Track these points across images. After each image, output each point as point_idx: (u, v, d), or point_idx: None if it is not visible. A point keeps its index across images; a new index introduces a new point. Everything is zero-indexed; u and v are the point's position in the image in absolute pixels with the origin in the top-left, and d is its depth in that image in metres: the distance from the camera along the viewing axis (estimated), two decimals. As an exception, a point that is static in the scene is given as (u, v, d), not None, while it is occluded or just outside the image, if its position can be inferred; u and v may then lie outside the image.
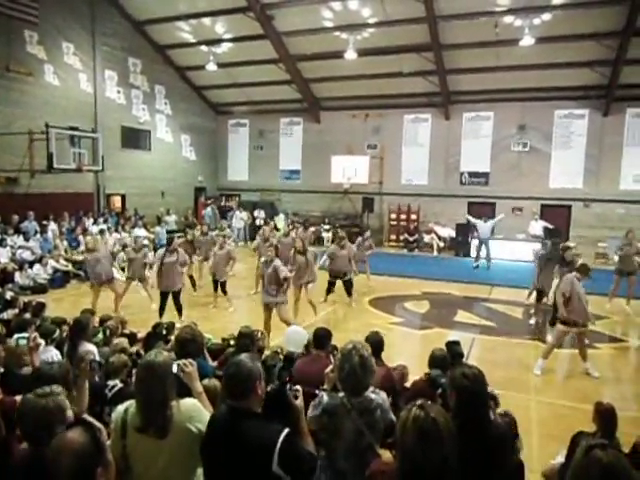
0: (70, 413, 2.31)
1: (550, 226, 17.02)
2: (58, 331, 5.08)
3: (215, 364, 4.69)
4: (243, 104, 22.44)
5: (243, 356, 2.48)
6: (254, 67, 19.31)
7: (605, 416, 3.64)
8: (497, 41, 15.67)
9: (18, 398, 2.66)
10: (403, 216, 20.26)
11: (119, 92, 18.30)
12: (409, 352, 7.75)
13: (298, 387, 2.63)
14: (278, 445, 2.20)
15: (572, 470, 1.74)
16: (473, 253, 16.68)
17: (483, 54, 16.49)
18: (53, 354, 4.65)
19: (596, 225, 17.45)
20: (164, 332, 5.52)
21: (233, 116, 23.44)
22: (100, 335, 5.64)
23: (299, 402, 2.55)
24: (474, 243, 17.01)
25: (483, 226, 15.67)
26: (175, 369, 2.71)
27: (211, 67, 18.61)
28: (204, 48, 18.63)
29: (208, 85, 21.77)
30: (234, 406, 2.36)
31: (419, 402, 2.01)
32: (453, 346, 4.36)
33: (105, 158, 16.15)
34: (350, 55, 16.58)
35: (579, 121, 17.90)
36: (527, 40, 14.79)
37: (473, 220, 16.32)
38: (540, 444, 4.88)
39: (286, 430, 2.28)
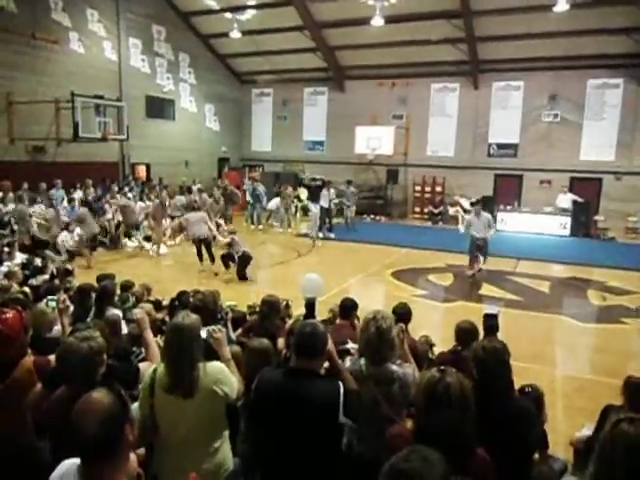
0: (105, 356, 2.40)
1: (579, 199, 16.62)
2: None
3: (239, 332, 4.74)
4: (267, 73, 22.17)
5: (317, 321, 2.67)
6: (278, 35, 18.99)
7: (633, 389, 3.59)
8: (529, 7, 15.08)
9: (52, 357, 2.73)
10: (428, 188, 20.00)
11: (143, 60, 18.24)
12: (433, 325, 7.71)
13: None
14: (341, 399, 2.37)
15: (600, 442, 1.73)
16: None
17: (514, 21, 15.86)
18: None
19: (627, 199, 16.92)
20: (190, 299, 5.58)
21: (257, 85, 23.20)
22: (132, 299, 5.74)
23: (330, 344, 2.60)
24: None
25: (476, 223, 10.75)
26: (204, 334, 2.78)
27: (235, 34, 18.37)
28: (228, 15, 18.32)
29: (232, 53, 21.53)
30: (300, 367, 2.47)
31: (441, 367, 2.08)
32: (489, 319, 4.26)
33: (130, 127, 16.19)
34: (377, 22, 16.12)
35: (613, 91, 17.22)
36: (561, 5, 14.14)
37: (465, 222, 11.41)
38: (565, 416, 4.85)
39: (340, 382, 2.46)
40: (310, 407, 2.36)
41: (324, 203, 15.50)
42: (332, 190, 16.29)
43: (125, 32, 17.23)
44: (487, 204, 17.49)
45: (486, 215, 10.92)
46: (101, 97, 15.16)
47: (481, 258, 10.69)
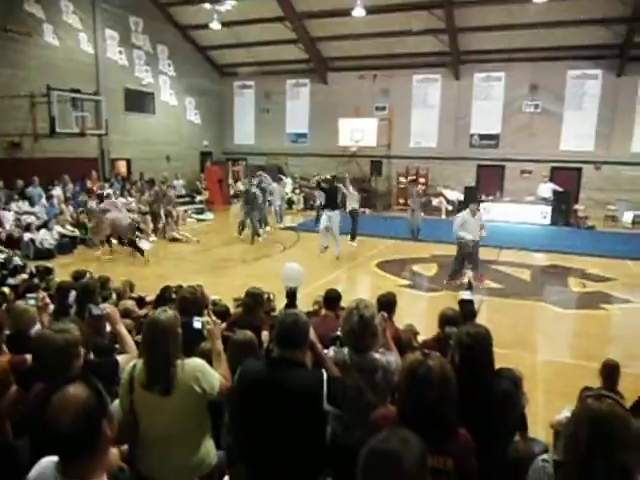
0: (82, 349, 2.36)
1: (559, 189, 16.84)
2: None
3: (223, 326, 4.71)
4: (248, 65, 21.95)
5: (298, 310, 2.64)
6: (259, 26, 18.79)
7: (608, 371, 3.74)
8: (510, -3, 15.14)
9: (28, 356, 2.69)
10: (411, 179, 20.05)
11: (121, 53, 17.91)
12: (417, 314, 7.77)
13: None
14: (324, 387, 2.39)
15: (569, 419, 1.80)
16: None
17: (495, 11, 15.95)
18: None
19: (606, 188, 17.18)
20: (173, 295, 5.54)
21: (238, 77, 22.99)
22: (114, 297, 5.67)
23: (312, 334, 2.60)
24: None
25: (472, 223, 9.11)
26: (199, 325, 2.77)
27: (215, 26, 18.13)
28: (207, 6, 18.07)
29: (212, 45, 21.28)
30: (283, 356, 2.46)
31: (425, 351, 2.12)
32: (466, 305, 4.32)
33: (109, 122, 16.00)
34: (358, 12, 16.04)
35: (592, 82, 17.43)
36: (541, -4, 14.24)
37: (459, 219, 9.42)
38: (545, 400, 4.93)
39: (323, 370, 2.49)
40: (293, 396, 2.36)
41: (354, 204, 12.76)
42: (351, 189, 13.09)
43: (101, 24, 16.87)
44: (470, 195, 17.70)
45: (480, 214, 9.40)
46: (78, 91, 14.92)
47: (470, 272, 9.07)
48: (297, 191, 20.24)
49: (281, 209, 16.46)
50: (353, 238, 12.57)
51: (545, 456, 1.92)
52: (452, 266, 9.36)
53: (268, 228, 14.85)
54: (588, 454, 1.65)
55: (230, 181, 21.09)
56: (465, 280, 9.07)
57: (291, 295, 3.43)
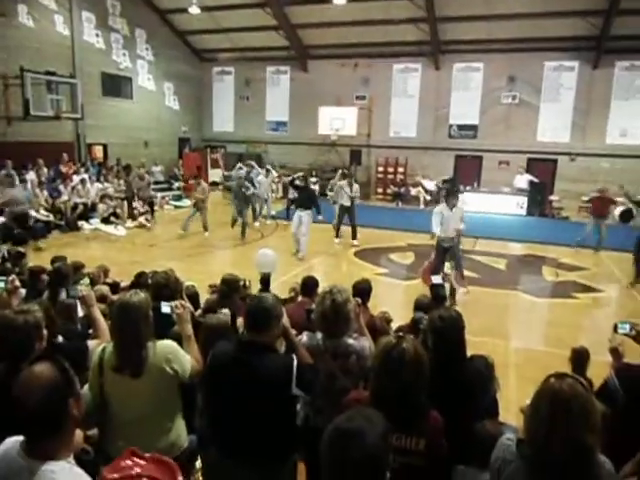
0: (45, 332, 2.33)
1: (535, 180, 17.09)
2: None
3: (198, 312, 4.69)
4: (228, 51, 21.68)
5: (267, 294, 2.63)
6: (239, 11, 18.54)
7: (576, 357, 3.85)
8: (489, -12, 15.20)
9: None
10: (390, 169, 20.13)
11: (98, 35, 17.53)
12: (394, 302, 7.84)
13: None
14: (294, 372, 2.39)
15: (532, 398, 1.83)
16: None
17: (475, 2, 16.01)
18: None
19: (581, 179, 17.49)
20: (148, 281, 5.48)
21: (218, 63, 22.70)
22: (87, 280, 5.59)
23: (284, 319, 2.60)
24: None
25: (450, 218, 8.21)
26: (168, 310, 2.76)
27: (194, 10, 17.85)
28: (186, -11, 17.78)
29: (191, 30, 20.94)
30: (252, 340, 2.46)
31: (399, 334, 2.17)
32: (437, 289, 4.42)
33: (85, 106, 15.67)
34: (339, 0, 15.97)
35: (568, 74, 17.66)
36: (520, -13, 14.34)
37: (436, 215, 8.36)
38: (516, 386, 5.03)
39: (293, 355, 2.50)
40: (262, 380, 2.36)
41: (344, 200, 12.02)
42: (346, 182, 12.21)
43: (77, 5, 16.46)
44: (450, 186, 17.83)
45: (460, 208, 8.55)
46: (53, 73, 14.58)
47: (453, 273, 8.14)
48: (276, 179, 20.09)
49: (268, 203, 14.86)
50: (354, 237, 11.95)
51: (509, 435, 1.97)
52: (434, 262, 8.49)
53: (262, 219, 14.24)
54: (548, 431, 1.69)
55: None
56: (447, 284, 7.39)
57: (265, 281, 3.43)
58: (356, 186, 12.29)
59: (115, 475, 1.49)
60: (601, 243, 11.52)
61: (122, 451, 2.43)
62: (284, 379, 2.38)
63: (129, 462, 1.54)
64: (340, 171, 13.84)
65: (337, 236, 12.13)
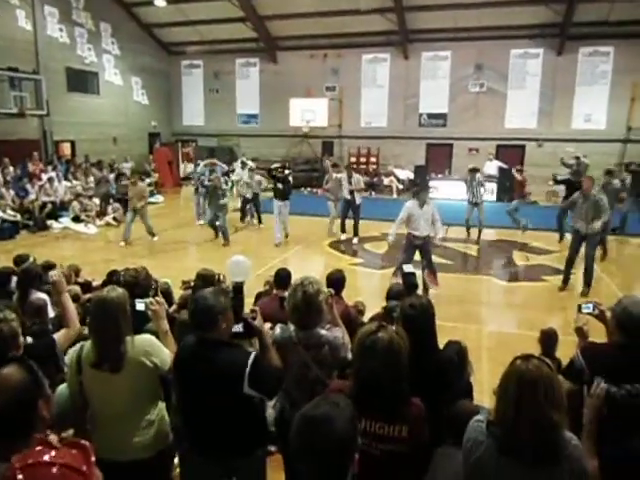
0: (22, 340, 2.31)
1: (504, 166, 17.36)
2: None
3: (173, 308, 4.68)
4: (196, 44, 21.39)
5: (206, 291, 2.55)
6: (206, 3, 18.29)
7: (545, 338, 3.97)
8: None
9: None
10: (363, 159, 20.20)
11: (61, 30, 17.11)
12: (369, 291, 7.94)
13: (255, 307, 2.70)
14: (247, 369, 2.34)
15: (500, 380, 1.90)
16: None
17: (441, -10, 16.12)
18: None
19: (548, 164, 17.84)
20: (121, 279, 5.43)
21: (186, 57, 22.37)
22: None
23: (258, 321, 2.59)
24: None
25: (419, 215, 7.46)
26: (142, 307, 2.75)
27: (160, 3, 17.60)
28: (151, -18, 17.46)
29: (158, 23, 20.58)
30: (203, 336, 2.44)
31: (376, 323, 2.18)
32: (408, 277, 4.48)
33: (51, 102, 15.29)
34: (306, -10, 15.90)
35: (533, 60, 17.98)
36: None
37: (404, 212, 7.60)
38: (490, 369, 5.15)
39: (253, 354, 2.44)
40: (217, 374, 2.36)
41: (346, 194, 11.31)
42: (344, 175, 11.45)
43: (39, 0, 16.01)
44: (420, 174, 18.00)
45: (432, 205, 7.65)
46: (15, 69, 14.18)
47: (424, 272, 7.36)
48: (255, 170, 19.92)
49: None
50: (356, 234, 11.35)
51: (480, 417, 2.03)
52: (400, 258, 7.61)
53: (255, 220, 13.12)
54: (516, 411, 1.77)
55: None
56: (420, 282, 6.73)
57: (237, 290, 3.34)
58: (357, 177, 11.42)
59: (27, 462, 1.41)
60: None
61: (104, 449, 2.45)
62: (236, 374, 2.35)
63: (39, 448, 1.49)
64: (327, 161, 13.60)
65: (343, 231, 11.65)
